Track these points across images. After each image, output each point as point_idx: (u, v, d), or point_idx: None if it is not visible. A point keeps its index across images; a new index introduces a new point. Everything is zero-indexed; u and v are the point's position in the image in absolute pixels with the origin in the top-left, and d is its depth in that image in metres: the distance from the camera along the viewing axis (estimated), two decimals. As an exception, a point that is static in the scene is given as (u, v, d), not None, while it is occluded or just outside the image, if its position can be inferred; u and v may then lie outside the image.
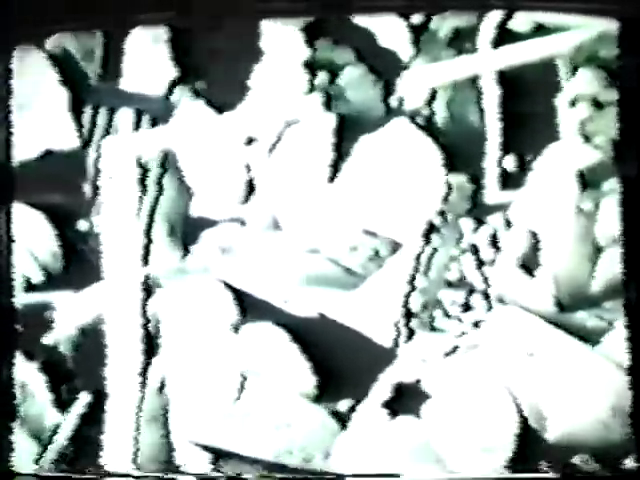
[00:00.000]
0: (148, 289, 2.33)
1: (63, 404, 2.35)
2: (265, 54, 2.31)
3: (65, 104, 2.36)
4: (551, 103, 2.23)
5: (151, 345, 2.33)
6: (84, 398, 2.34)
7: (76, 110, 2.36)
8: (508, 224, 2.23)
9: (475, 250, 2.24)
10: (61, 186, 2.36)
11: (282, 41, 2.30)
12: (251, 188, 2.31)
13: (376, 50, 2.29)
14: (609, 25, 2.23)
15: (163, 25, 2.34)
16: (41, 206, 2.36)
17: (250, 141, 2.32)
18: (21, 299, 2.38)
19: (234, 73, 2.31)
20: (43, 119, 2.37)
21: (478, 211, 2.24)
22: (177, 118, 2.34)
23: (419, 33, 2.28)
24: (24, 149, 2.38)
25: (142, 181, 2.35)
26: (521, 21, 2.25)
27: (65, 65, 2.37)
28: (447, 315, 2.24)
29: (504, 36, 2.25)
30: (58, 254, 2.36)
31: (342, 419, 2.26)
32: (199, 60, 2.34)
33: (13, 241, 2.37)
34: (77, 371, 2.36)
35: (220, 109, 2.32)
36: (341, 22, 2.29)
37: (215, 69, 2.33)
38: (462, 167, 2.25)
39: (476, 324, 2.23)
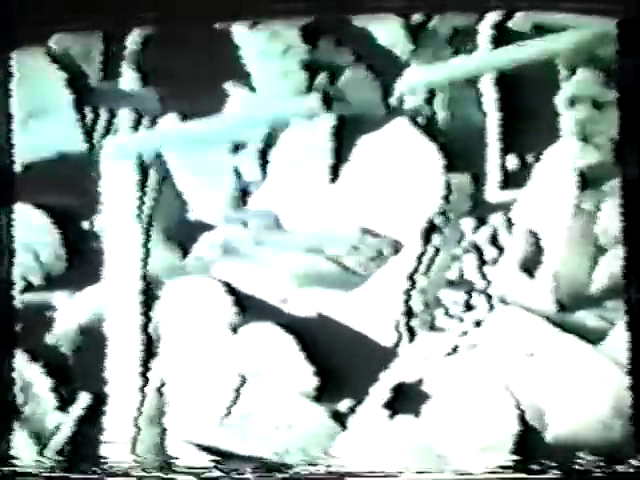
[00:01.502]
0: (148, 289, 2.33)
1: (63, 404, 2.35)
2: (265, 56, 2.31)
3: (66, 104, 2.36)
4: (551, 103, 2.23)
5: (151, 345, 2.33)
6: (84, 398, 2.34)
7: (78, 110, 2.36)
8: (509, 223, 2.23)
9: (476, 249, 2.24)
10: (63, 187, 2.35)
11: (282, 42, 2.30)
12: (250, 190, 2.31)
13: (375, 50, 2.28)
14: (608, 25, 2.23)
15: (156, 26, 2.34)
16: (43, 206, 2.35)
17: (249, 144, 2.32)
18: (22, 299, 2.37)
19: (232, 76, 2.32)
20: (45, 120, 2.36)
21: (479, 210, 2.25)
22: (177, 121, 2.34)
23: (418, 33, 2.28)
24: (26, 150, 2.37)
25: (142, 182, 2.34)
26: (520, 21, 2.25)
27: (66, 65, 2.36)
28: (448, 315, 2.24)
29: (503, 36, 2.26)
30: (60, 254, 2.35)
31: (342, 419, 2.26)
32: (196, 61, 2.33)
33: (14, 240, 2.37)
34: (77, 371, 2.35)
35: (213, 112, 2.32)
36: (341, 22, 2.29)
37: (214, 71, 2.33)
38: (463, 166, 2.25)
39: (477, 323, 2.23)
